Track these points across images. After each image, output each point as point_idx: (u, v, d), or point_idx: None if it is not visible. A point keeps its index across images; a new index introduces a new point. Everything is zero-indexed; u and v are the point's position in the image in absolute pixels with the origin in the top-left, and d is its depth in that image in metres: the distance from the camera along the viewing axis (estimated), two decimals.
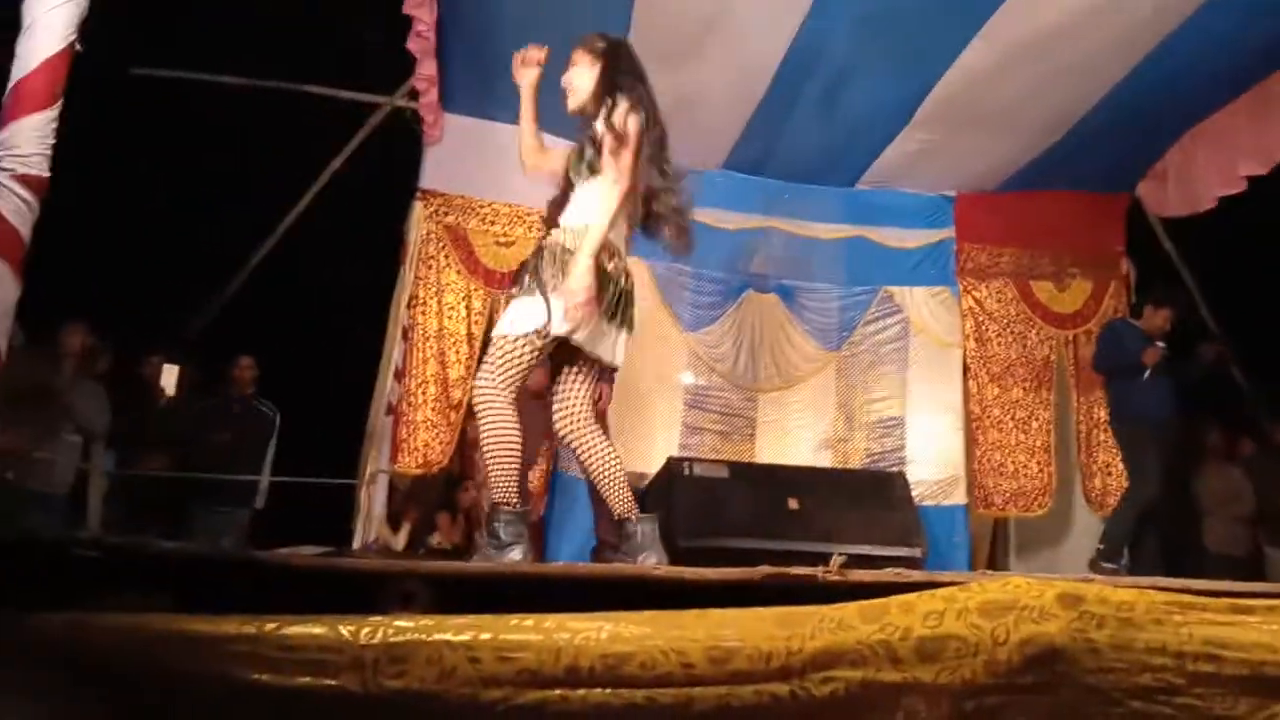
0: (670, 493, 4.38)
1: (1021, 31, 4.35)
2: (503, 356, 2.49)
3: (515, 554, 2.38)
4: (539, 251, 2.61)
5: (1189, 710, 1.37)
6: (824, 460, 5.57)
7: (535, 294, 2.51)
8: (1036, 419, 5.78)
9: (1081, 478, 5.77)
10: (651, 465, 4.89)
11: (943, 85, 4.81)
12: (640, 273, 5.39)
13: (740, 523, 4.26)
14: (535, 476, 4.95)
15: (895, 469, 5.45)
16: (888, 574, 1.67)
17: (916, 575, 1.66)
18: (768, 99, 4.97)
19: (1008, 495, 5.68)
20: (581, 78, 2.77)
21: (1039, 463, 5.71)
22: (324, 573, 1.65)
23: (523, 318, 2.50)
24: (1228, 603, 1.51)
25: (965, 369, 5.83)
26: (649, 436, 5.33)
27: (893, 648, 1.39)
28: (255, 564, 1.63)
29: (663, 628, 1.35)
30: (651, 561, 2.44)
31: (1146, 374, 4.74)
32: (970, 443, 5.72)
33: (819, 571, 1.65)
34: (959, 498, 5.60)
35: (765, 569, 1.63)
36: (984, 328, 5.90)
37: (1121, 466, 5.39)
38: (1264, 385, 6.09)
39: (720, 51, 4.59)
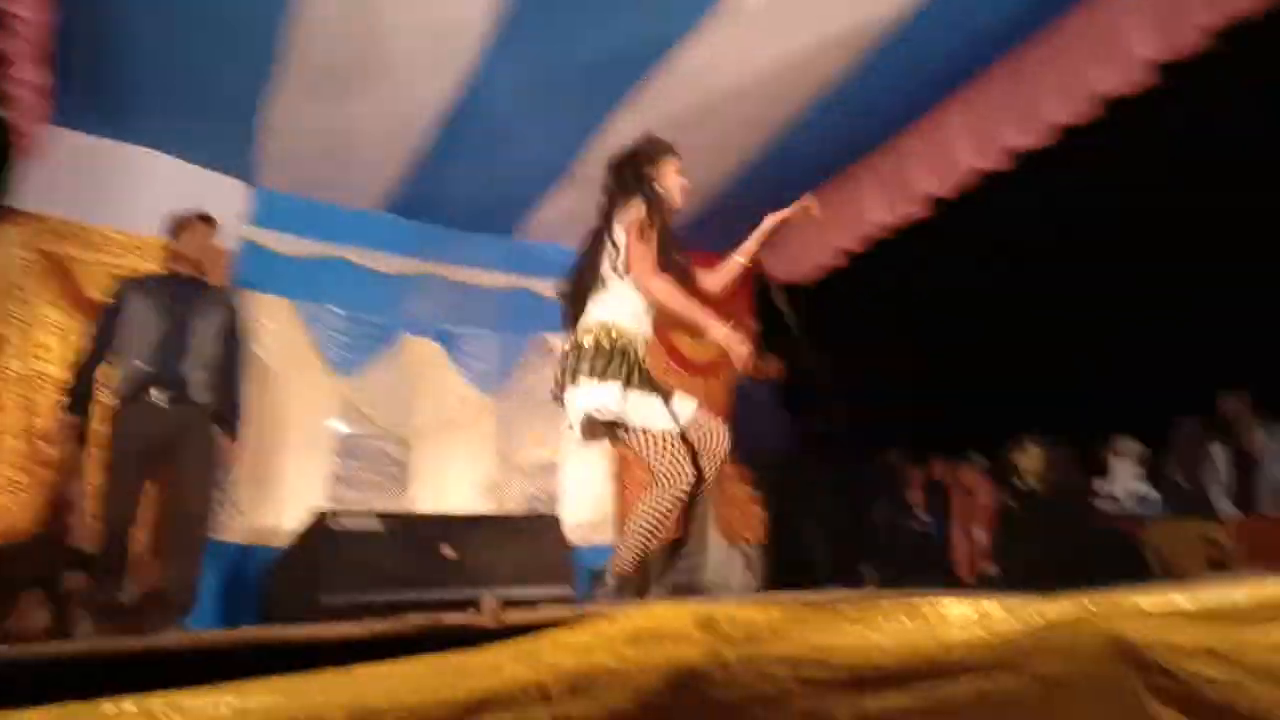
0: (317, 548, 4.09)
1: (665, 108, 4.75)
2: None
3: None
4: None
5: (803, 714, 1.52)
6: (481, 505, 5.54)
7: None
8: None
9: (713, 509, 6.31)
10: (296, 520, 4.54)
11: (596, 149, 5.10)
12: (282, 311, 5.06)
13: (393, 575, 4.09)
14: None
15: (550, 511, 5.58)
16: (542, 612, 1.67)
17: (568, 610, 1.68)
18: (427, 145, 4.94)
19: None
20: None
21: None
22: None
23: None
24: (831, 611, 1.71)
25: None
26: (293, 489, 4.94)
27: (544, 686, 1.39)
28: None
29: (297, 694, 1.22)
30: None
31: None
32: (618, 483, 6.03)
33: (471, 616, 1.62)
34: (608, 536, 5.85)
35: (415, 618, 1.55)
36: None
37: (746, 497, 6.01)
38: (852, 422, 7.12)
39: (378, 92, 4.49)
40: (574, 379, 2.71)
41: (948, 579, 6.20)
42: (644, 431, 2.70)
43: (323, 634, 1.55)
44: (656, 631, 1.47)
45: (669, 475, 2.67)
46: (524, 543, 4.69)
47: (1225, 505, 5.60)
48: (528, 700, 1.36)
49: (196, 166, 5.00)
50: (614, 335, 2.75)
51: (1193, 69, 3.92)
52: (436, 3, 4.01)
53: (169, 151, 4.91)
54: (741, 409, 5.77)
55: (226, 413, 3.98)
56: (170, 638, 1.34)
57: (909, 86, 4.73)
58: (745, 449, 5.62)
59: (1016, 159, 4.71)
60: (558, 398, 2.82)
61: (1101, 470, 6.39)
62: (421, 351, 5.63)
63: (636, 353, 2.78)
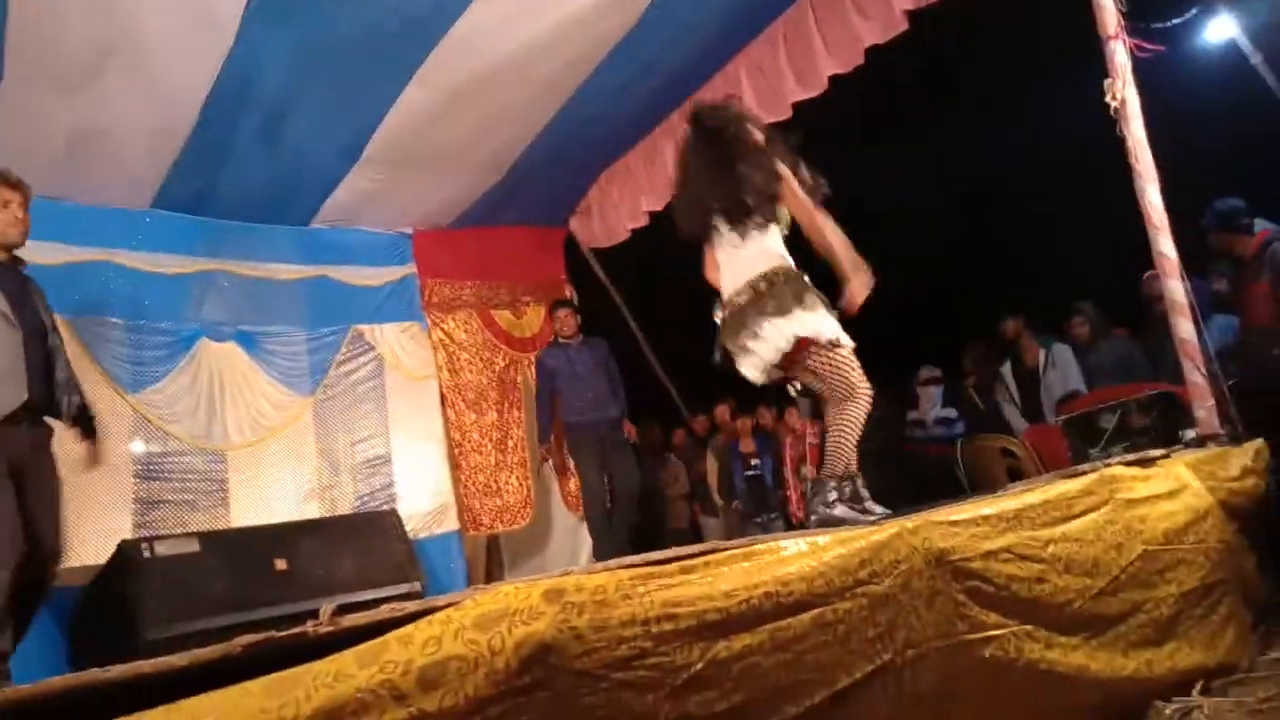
0: (129, 581, 3.77)
1: (453, 78, 4.61)
2: None
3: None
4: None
5: (659, 668, 1.54)
6: (311, 511, 5.26)
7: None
8: (511, 438, 6.19)
9: (557, 483, 6.33)
10: (101, 554, 4.15)
11: (386, 126, 4.88)
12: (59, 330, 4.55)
13: (221, 598, 3.85)
14: None
15: (387, 507, 5.39)
16: (383, 611, 1.61)
17: (413, 605, 1.62)
18: (197, 133, 4.53)
19: (494, 513, 5.99)
20: None
21: (518, 478, 6.13)
22: None
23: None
24: (677, 566, 1.74)
25: (442, 399, 6.00)
26: (92, 521, 4.49)
27: (395, 685, 1.34)
28: None
29: None
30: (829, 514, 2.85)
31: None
32: (455, 469, 5.91)
33: (309, 626, 1.53)
34: (451, 524, 5.73)
35: (246, 638, 1.45)
36: (455, 358, 6.15)
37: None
38: (678, 382, 7.32)
39: (131, 80, 4.05)
40: (779, 313, 2.86)
41: (785, 519, 6.51)
42: (841, 346, 2.88)
43: (140, 671, 1.42)
44: (504, 612, 1.45)
45: (865, 387, 2.89)
46: (362, 544, 4.53)
47: (1016, 419, 6.16)
48: (380, 703, 1.31)
49: None
50: (791, 271, 2.95)
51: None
52: None
53: None
54: (559, 383, 5.76)
55: (82, 413, 3.64)
56: None
57: (694, 41, 4.81)
58: (573, 420, 5.68)
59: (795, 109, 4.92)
60: (726, 360, 3.01)
61: (912, 401, 6.88)
62: (222, 356, 5.22)
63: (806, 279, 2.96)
